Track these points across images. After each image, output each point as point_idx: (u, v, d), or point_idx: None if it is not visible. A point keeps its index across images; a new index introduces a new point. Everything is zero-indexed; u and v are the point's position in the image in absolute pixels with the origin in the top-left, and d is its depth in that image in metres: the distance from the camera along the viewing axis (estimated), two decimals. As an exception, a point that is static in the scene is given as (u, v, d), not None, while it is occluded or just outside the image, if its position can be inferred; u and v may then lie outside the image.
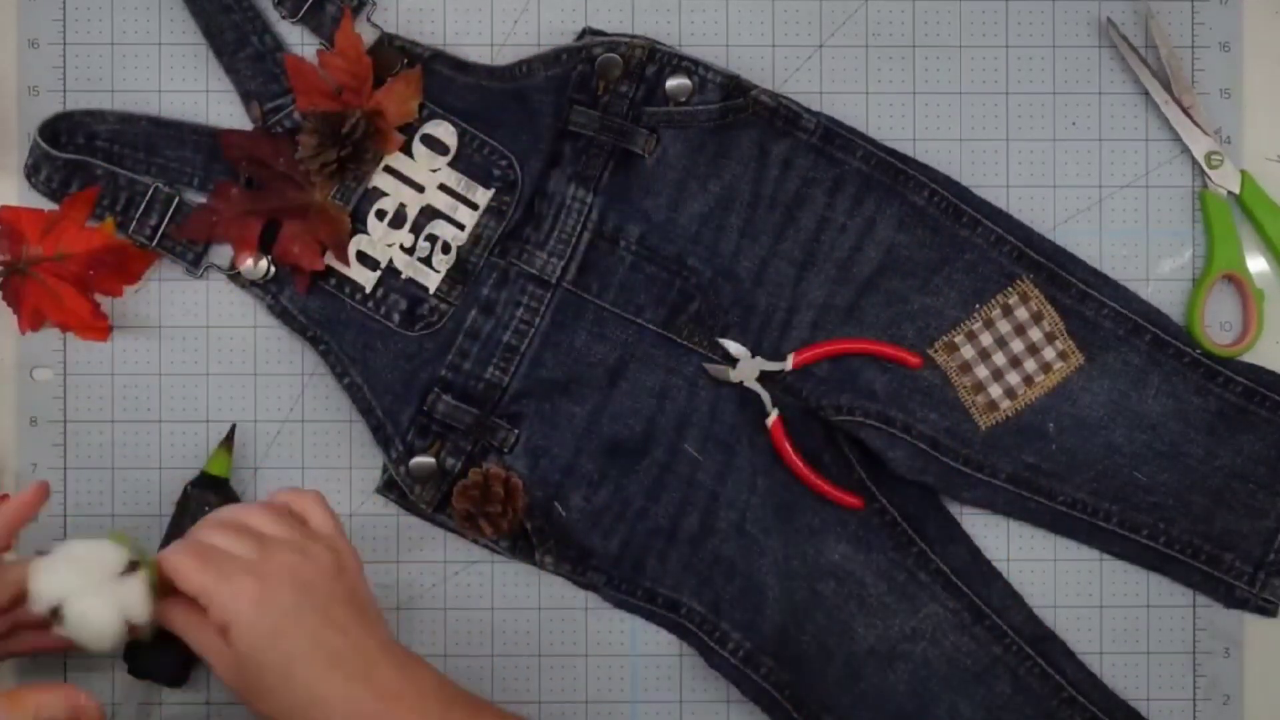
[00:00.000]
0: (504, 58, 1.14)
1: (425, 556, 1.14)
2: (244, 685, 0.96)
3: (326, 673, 0.94)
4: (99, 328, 1.11)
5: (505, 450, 1.12)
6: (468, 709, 0.97)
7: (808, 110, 1.12)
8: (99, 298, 1.12)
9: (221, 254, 1.13)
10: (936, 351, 1.13)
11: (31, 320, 1.11)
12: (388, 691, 0.95)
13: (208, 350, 1.14)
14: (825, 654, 1.12)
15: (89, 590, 0.95)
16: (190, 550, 0.96)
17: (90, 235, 1.10)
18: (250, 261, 1.11)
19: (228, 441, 1.13)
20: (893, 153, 1.13)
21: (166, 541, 1.10)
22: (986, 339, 1.13)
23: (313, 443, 1.14)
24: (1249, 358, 1.14)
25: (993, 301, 1.13)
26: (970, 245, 1.13)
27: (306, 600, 0.96)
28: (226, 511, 1.01)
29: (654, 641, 1.14)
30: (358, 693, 0.94)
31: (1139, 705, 1.14)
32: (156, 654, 1.09)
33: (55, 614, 0.95)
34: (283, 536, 0.98)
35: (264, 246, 1.12)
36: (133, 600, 0.96)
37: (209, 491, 1.11)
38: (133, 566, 0.96)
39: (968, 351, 1.13)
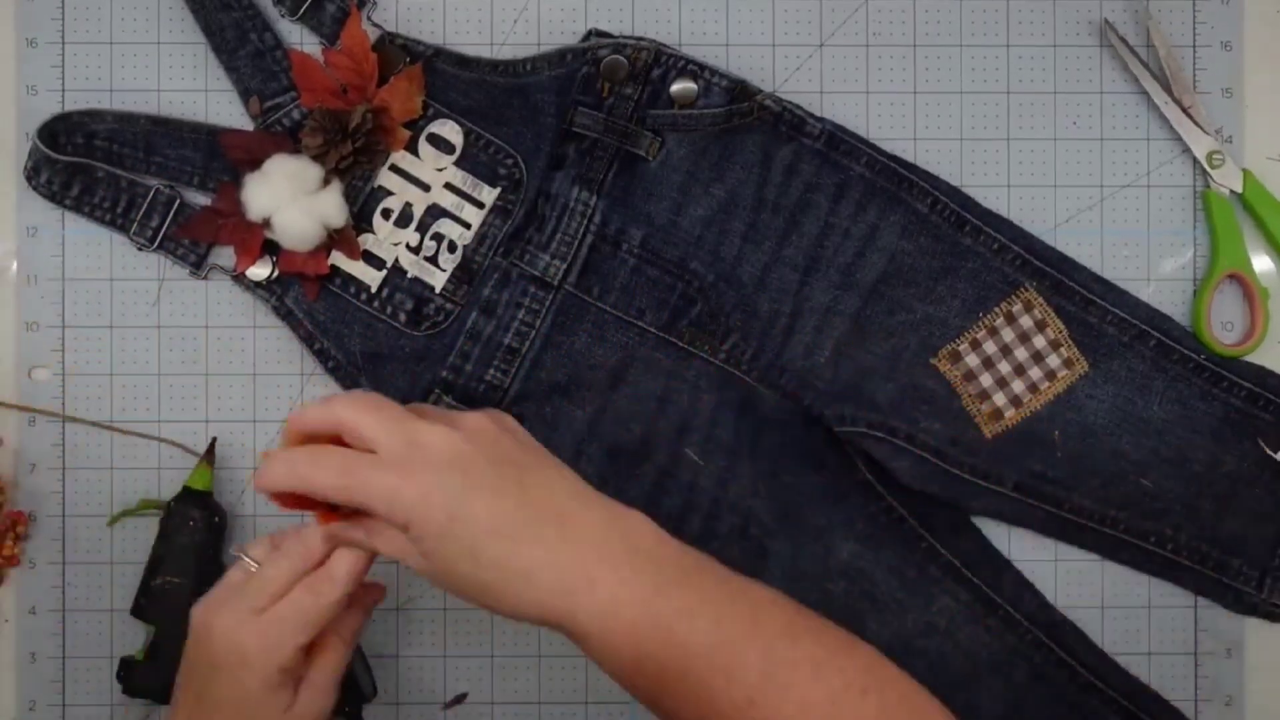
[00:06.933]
0: (503, 57, 1.13)
1: (426, 556, 1.14)
2: (441, 580, 0.89)
3: (512, 546, 0.87)
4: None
5: (506, 453, 1.12)
6: (682, 568, 0.90)
7: (813, 116, 1.12)
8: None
9: (224, 254, 1.13)
10: (940, 360, 1.13)
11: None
12: (587, 541, 0.88)
13: (207, 350, 1.14)
14: (839, 654, 1.13)
15: (291, 202, 1.09)
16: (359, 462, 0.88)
17: None
18: (254, 265, 1.11)
19: (209, 455, 1.12)
20: (897, 160, 1.12)
21: (153, 563, 1.10)
22: (990, 347, 1.12)
23: (313, 443, 1.14)
24: (1254, 357, 1.14)
25: (996, 309, 1.13)
26: (973, 253, 1.13)
27: (471, 475, 0.88)
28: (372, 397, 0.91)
29: (655, 642, 1.14)
30: (550, 553, 0.87)
31: (1140, 706, 1.15)
32: (151, 671, 1.10)
33: (265, 223, 1.10)
34: (430, 417, 0.90)
35: (268, 245, 1.11)
36: (329, 209, 1.10)
37: (191, 506, 1.10)
38: None
39: (971, 360, 1.13)
